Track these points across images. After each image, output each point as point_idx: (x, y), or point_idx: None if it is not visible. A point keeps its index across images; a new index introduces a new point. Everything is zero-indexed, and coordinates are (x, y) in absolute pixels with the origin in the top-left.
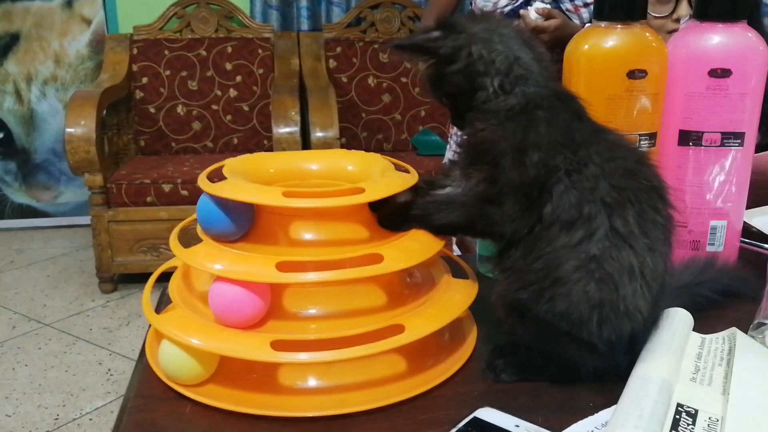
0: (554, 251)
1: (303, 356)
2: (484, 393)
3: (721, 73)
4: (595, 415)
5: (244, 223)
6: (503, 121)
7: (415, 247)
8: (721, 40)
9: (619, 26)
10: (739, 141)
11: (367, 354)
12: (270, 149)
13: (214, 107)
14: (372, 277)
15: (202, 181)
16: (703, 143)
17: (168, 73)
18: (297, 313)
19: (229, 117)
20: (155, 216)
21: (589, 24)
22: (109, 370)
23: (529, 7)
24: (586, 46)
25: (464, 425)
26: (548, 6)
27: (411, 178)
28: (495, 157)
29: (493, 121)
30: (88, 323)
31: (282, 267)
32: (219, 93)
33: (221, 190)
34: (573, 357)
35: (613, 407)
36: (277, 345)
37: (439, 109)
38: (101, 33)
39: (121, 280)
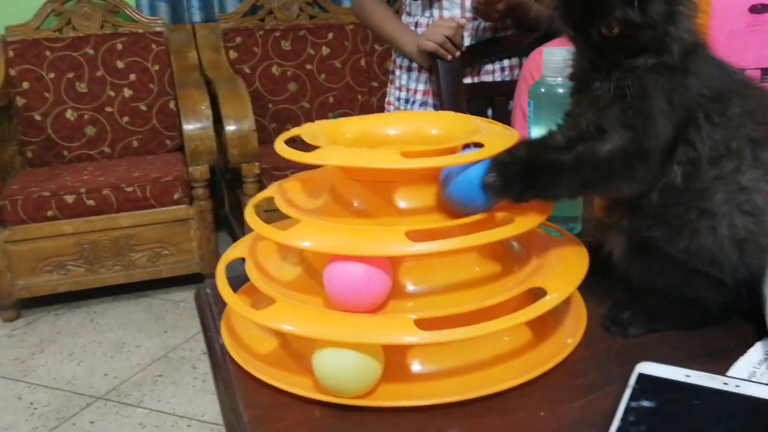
0: (703, 183)
1: (459, 332)
2: (621, 349)
3: (761, 9)
4: (747, 354)
5: None
6: (667, 69)
7: (534, 205)
8: None
9: None
10: None
11: (526, 320)
12: (174, 150)
13: (108, 109)
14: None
15: (286, 150)
16: None
17: (52, 75)
18: (415, 290)
19: (126, 119)
20: (59, 231)
21: None
22: (31, 403)
23: None
24: None
25: (636, 383)
26: None
27: (515, 132)
28: (649, 107)
29: (654, 67)
30: None
31: (412, 237)
32: (112, 94)
33: (322, 157)
34: (700, 297)
35: (758, 344)
36: (423, 324)
37: (347, 94)
38: None
39: (24, 305)
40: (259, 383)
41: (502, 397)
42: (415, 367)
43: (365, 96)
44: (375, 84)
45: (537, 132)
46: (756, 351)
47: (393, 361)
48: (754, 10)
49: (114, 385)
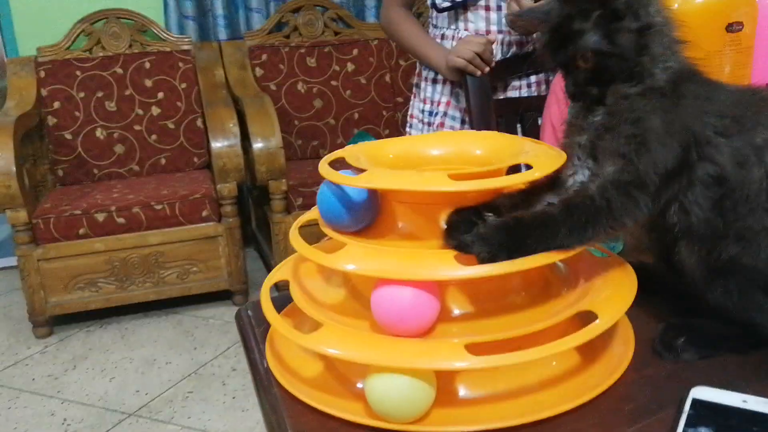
0: (754, 183)
1: (510, 358)
2: (672, 373)
3: None
4: None
5: (370, 211)
6: (656, 93)
7: None
8: None
9: None
10: None
11: (578, 345)
12: (201, 167)
13: (137, 128)
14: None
15: (329, 172)
16: None
17: (82, 95)
18: (462, 314)
19: (154, 137)
20: (90, 249)
21: None
22: (64, 420)
23: None
24: (676, 5)
25: (690, 409)
26: None
27: (561, 153)
28: (642, 131)
29: (643, 93)
30: (28, 373)
31: (460, 260)
32: (141, 112)
33: (370, 180)
34: (764, 320)
35: None
36: (472, 349)
37: (372, 110)
38: None
39: (57, 322)
40: (306, 407)
41: (553, 422)
42: (464, 391)
43: (390, 111)
44: (400, 99)
45: None
46: None
47: (441, 385)
48: None
49: (145, 402)
